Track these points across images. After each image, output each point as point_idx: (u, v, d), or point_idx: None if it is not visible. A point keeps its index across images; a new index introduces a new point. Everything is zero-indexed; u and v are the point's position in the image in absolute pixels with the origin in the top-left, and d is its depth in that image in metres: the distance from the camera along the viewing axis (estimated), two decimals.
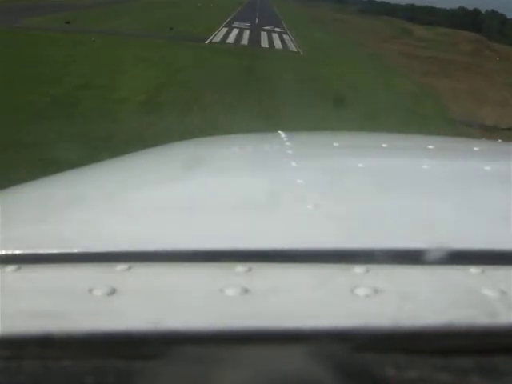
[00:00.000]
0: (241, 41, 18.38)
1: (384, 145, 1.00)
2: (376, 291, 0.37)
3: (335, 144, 1.03)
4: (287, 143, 0.91)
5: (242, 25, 25.69)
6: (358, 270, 0.40)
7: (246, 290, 0.38)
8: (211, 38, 17.78)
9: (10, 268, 0.42)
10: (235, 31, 21.87)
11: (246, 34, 20.98)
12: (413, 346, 0.32)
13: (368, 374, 0.30)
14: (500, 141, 1.20)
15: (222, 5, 44.57)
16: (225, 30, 21.88)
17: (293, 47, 18.56)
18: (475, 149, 0.98)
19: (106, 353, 0.32)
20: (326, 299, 0.37)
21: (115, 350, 0.32)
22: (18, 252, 0.45)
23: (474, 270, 0.41)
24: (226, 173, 0.76)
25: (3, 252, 0.45)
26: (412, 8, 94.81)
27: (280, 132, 0.99)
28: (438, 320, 0.34)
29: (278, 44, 19.02)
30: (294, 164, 0.73)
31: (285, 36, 22.44)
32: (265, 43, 18.65)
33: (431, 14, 78.85)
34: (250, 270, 0.41)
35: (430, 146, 0.99)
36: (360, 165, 0.76)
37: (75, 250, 0.45)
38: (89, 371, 0.30)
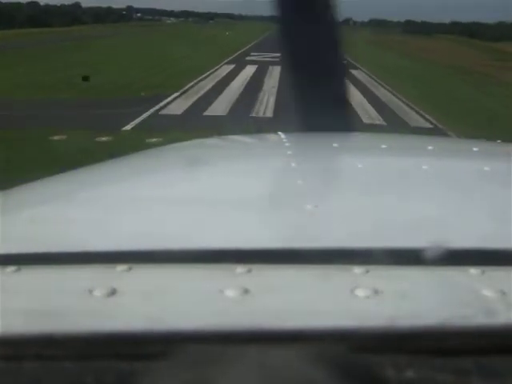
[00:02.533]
0: (255, 104, 7.00)
1: (384, 145, 1.00)
2: (376, 291, 0.37)
3: (335, 144, 1.01)
4: (287, 144, 0.92)
5: (267, 56, 16.80)
6: (358, 270, 0.40)
7: (245, 291, 0.38)
8: (169, 99, 6.59)
9: (10, 268, 0.42)
10: (248, 71, 10.91)
11: (273, 80, 9.76)
12: (412, 347, 0.32)
13: (368, 374, 0.30)
14: (500, 141, 1.15)
15: (245, 32, 35.80)
16: (226, 69, 10.87)
17: (408, 112, 7.03)
18: (475, 149, 0.97)
19: (106, 353, 0.32)
20: (325, 299, 0.37)
21: (115, 349, 0.32)
22: (17, 252, 0.45)
23: (474, 270, 0.41)
24: (226, 173, 0.76)
25: (3, 252, 0.45)
26: (461, 25, 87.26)
27: (280, 133, 0.99)
28: (437, 320, 0.34)
29: (362, 104, 7.70)
30: (293, 164, 0.73)
31: (359, 75, 11.29)
32: None
33: (487, 29, 70.57)
34: (249, 270, 0.41)
35: (430, 147, 0.99)
36: (359, 165, 0.76)
37: (75, 250, 0.45)
38: (89, 371, 0.30)
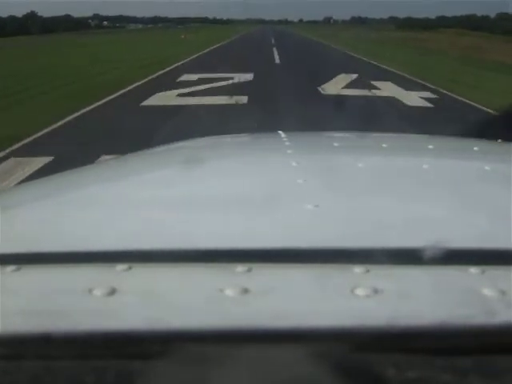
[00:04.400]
0: None
1: (384, 145, 0.99)
2: (376, 291, 0.37)
3: (335, 144, 1.01)
4: (287, 143, 0.90)
5: (220, 85, 8.66)
6: (358, 270, 0.40)
7: (245, 290, 0.37)
8: None
9: (10, 268, 0.42)
10: None
11: None
12: (413, 346, 0.32)
13: (368, 374, 0.30)
14: (500, 141, 1.13)
15: (211, 34, 28.35)
16: None
17: None
18: (475, 149, 0.96)
19: (105, 352, 0.32)
20: (325, 299, 0.37)
21: (115, 349, 0.32)
22: (17, 252, 0.45)
23: (473, 269, 0.41)
24: (226, 173, 0.75)
25: (3, 252, 0.45)
26: (447, 19, 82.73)
27: (280, 132, 0.98)
28: (437, 320, 0.34)
29: None
30: (293, 164, 0.72)
31: None
32: None
33: (488, 21, 64.36)
34: (249, 270, 0.41)
35: (430, 146, 0.98)
36: (360, 165, 0.75)
37: (75, 250, 0.45)
38: (88, 370, 0.30)
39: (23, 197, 0.70)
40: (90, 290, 0.37)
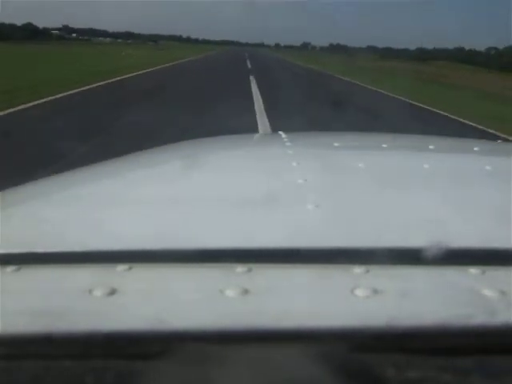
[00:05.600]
0: None
1: (384, 145, 0.98)
2: (376, 291, 0.37)
3: (335, 144, 1.01)
4: (287, 143, 0.90)
5: None
6: (358, 270, 0.40)
7: (245, 291, 0.38)
8: None
9: (10, 268, 0.42)
10: None
11: None
12: (413, 346, 0.32)
13: (368, 374, 0.30)
14: (500, 141, 1.14)
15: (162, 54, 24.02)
16: None
17: None
18: (475, 149, 0.95)
19: (106, 353, 0.32)
20: (325, 299, 0.37)
21: (115, 349, 0.32)
22: (17, 252, 0.45)
23: (473, 269, 0.41)
24: (227, 173, 0.75)
25: (3, 252, 0.45)
26: (427, 51, 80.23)
27: (280, 132, 0.98)
28: (437, 320, 0.34)
29: None
30: (294, 164, 0.72)
31: None
32: None
33: (476, 56, 61.16)
34: (249, 270, 0.41)
35: (430, 146, 0.97)
36: (360, 165, 0.75)
37: (75, 250, 0.45)
38: (89, 371, 0.30)
39: (23, 197, 0.70)
40: (90, 290, 0.37)
